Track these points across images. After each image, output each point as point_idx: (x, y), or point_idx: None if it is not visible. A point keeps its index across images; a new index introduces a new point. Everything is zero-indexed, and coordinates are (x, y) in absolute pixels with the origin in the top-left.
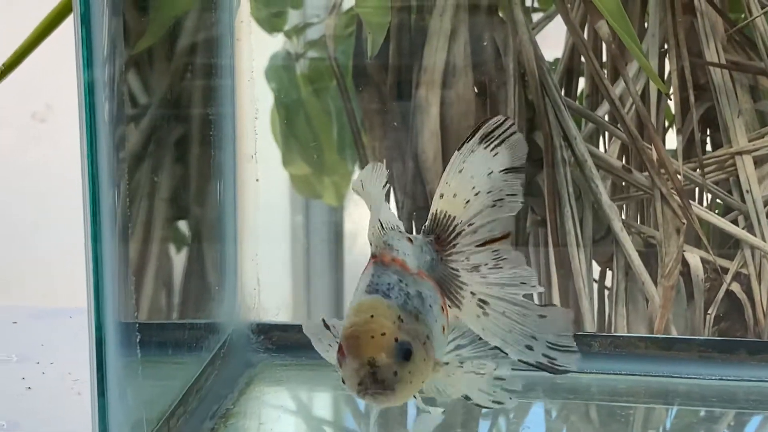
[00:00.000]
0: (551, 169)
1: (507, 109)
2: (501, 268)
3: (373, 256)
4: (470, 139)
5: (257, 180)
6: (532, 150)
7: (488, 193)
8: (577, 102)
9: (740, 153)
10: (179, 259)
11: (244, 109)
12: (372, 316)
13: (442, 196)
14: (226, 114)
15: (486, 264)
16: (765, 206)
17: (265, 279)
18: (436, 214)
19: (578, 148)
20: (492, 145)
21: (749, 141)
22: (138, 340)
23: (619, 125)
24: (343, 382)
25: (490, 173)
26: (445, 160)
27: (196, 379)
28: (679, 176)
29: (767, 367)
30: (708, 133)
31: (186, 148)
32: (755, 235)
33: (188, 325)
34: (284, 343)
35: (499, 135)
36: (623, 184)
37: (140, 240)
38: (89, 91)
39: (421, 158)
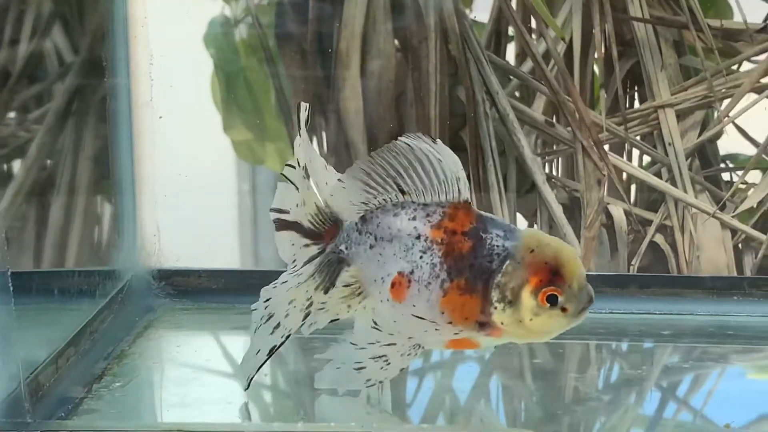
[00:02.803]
0: (474, 124)
1: (429, 64)
2: None
3: (466, 205)
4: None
5: (160, 117)
6: (455, 105)
7: None
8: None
9: (662, 106)
10: (70, 209)
11: (138, 56)
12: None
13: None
14: (120, 62)
15: None
16: (687, 159)
17: (165, 226)
18: None
19: (500, 103)
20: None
21: (672, 95)
22: (11, 288)
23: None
24: (563, 310)
25: None
26: (367, 115)
27: (89, 323)
28: (606, 132)
29: (656, 301)
30: (636, 89)
31: (77, 97)
32: (677, 187)
33: (77, 272)
34: (186, 288)
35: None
36: (555, 140)
37: (26, 192)
38: None
39: (343, 113)
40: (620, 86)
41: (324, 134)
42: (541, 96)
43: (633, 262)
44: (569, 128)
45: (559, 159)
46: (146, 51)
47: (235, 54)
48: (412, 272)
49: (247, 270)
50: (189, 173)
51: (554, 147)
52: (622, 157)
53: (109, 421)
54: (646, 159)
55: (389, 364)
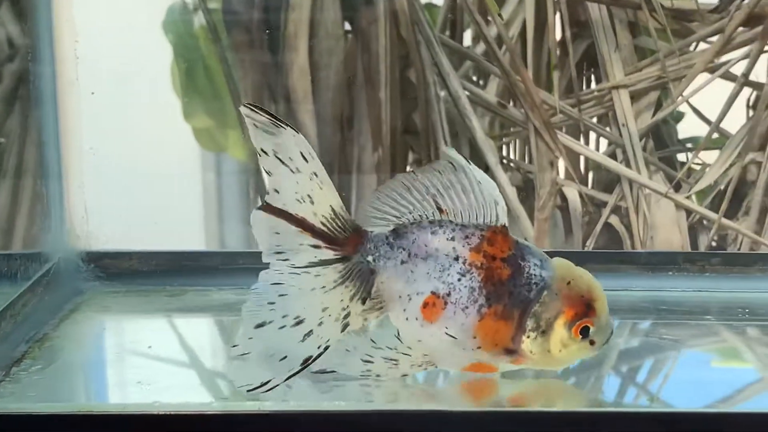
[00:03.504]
0: (425, 106)
1: (379, 46)
2: None
3: (504, 230)
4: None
5: (92, 93)
6: (406, 87)
7: None
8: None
9: (616, 87)
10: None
11: (64, 33)
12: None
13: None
14: (44, 40)
15: None
16: (641, 139)
17: (94, 208)
18: None
19: (452, 85)
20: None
21: (626, 75)
22: None
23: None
24: (592, 342)
25: None
26: (315, 98)
27: (9, 307)
28: (560, 114)
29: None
30: (592, 70)
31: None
32: (631, 168)
33: None
34: (115, 270)
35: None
36: (511, 122)
37: None
38: None
39: (292, 96)
40: (574, 68)
41: None
42: (496, 78)
43: (588, 244)
44: (523, 110)
45: (516, 141)
46: (72, 29)
47: (192, 40)
48: (449, 294)
49: (181, 251)
50: (123, 153)
51: (510, 129)
52: (579, 139)
53: (24, 403)
54: (605, 141)
55: (396, 367)
